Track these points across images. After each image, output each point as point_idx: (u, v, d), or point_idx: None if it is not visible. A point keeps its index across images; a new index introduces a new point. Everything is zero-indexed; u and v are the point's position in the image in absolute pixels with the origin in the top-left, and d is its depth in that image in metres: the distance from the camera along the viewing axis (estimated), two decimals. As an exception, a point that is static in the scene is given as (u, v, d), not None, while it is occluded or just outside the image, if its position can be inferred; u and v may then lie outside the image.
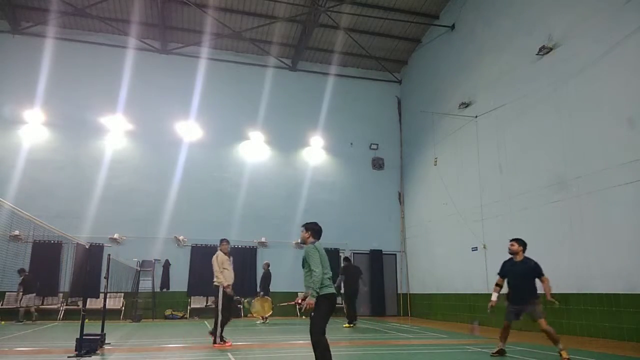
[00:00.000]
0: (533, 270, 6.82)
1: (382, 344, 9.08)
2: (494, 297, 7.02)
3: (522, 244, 7.05)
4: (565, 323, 9.90)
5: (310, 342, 4.79)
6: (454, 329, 12.05)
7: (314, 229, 5.29)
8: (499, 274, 7.19)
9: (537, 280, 6.84)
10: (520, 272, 6.87)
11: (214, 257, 8.61)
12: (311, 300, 4.81)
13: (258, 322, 13.72)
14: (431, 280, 15.93)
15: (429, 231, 16.23)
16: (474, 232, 13.40)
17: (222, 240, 8.89)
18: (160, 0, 15.22)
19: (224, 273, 8.48)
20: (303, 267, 5.12)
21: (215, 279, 8.46)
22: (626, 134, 9.05)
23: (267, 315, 13.67)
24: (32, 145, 15.24)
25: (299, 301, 5.18)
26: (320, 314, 4.83)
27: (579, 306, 9.76)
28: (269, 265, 14.56)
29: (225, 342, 8.32)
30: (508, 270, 7.07)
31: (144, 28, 16.57)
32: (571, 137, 10.35)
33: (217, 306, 8.45)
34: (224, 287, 8.40)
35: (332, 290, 4.96)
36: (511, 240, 7.12)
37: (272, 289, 14.26)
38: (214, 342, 8.24)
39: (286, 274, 15.08)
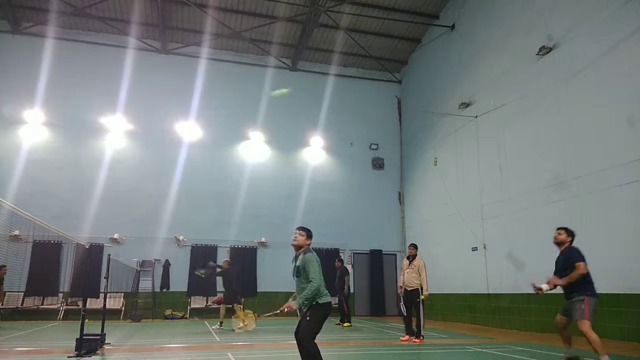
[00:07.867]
0: (567, 260, 5.84)
1: (382, 344, 9.08)
2: (544, 285, 5.99)
3: (571, 233, 6.03)
4: (565, 323, 9.89)
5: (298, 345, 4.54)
6: (454, 329, 12.05)
7: (311, 236, 4.92)
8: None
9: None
10: (561, 264, 5.98)
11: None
12: (292, 305, 4.65)
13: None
14: (431, 280, 15.70)
15: (429, 231, 16.22)
16: (474, 232, 13.40)
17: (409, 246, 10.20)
18: (160, 0, 15.22)
19: (404, 275, 9.75)
20: (297, 276, 4.73)
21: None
22: (626, 134, 9.04)
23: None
24: (32, 145, 15.22)
25: (285, 310, 4.84)
26: (317, 322, 4.60)
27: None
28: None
29: (421, 338, 9.19)
30: (556, 263, 6.07)
31: (144, 28, 16.57)
32: (571, 137, 10.34)
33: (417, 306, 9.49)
34: (398, 289, 9.72)
35: (329, 299, 4.71)
36: (558, 229, 6.10)
37: (270, 289, 14.13)
38: (416, 337, 9.19)
39: (287, 274, 14.99)
